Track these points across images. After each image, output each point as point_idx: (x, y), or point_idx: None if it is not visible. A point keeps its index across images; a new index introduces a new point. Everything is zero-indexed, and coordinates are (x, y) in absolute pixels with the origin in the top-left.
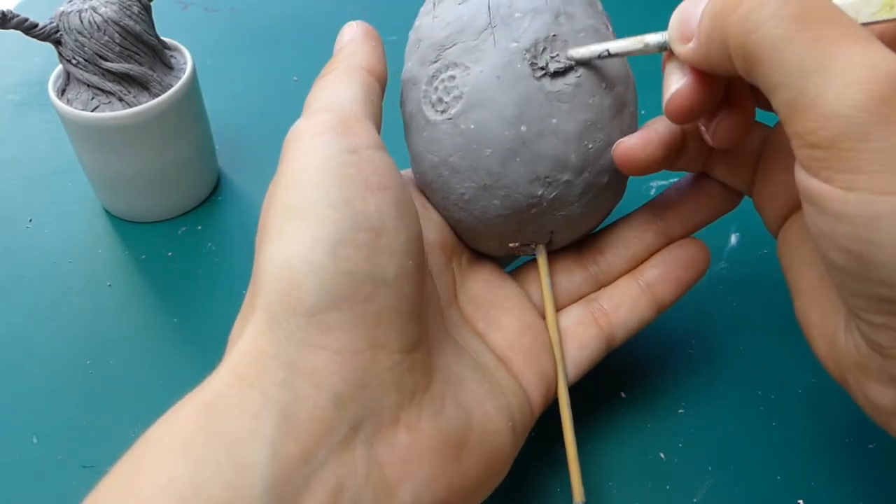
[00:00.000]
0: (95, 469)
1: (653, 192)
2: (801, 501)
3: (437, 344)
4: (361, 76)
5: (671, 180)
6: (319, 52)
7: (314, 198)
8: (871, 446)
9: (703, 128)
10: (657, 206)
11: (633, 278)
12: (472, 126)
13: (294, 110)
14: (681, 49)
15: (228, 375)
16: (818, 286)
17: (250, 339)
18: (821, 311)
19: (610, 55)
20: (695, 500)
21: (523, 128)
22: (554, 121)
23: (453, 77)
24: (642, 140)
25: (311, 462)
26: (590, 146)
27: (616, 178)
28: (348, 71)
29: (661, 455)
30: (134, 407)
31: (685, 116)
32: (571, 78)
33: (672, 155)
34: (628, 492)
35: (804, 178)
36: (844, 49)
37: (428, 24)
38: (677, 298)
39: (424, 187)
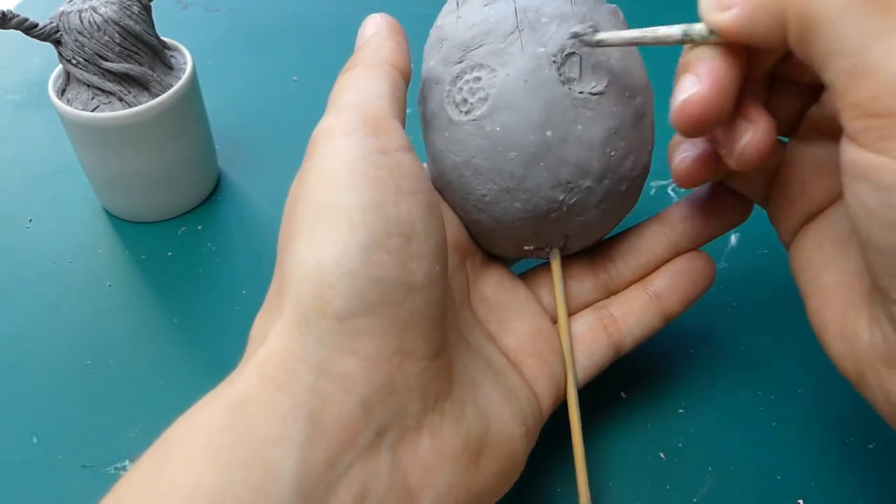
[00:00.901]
0: (95, 469)
1: (653, 192)
2: (801, 501)
3: (454, 350)
4: (387, 72)
5: (671, 181)
6: (319, 52)
7: (345, 200)
8: (871, 446)
9: (723, 151)
10: (670, 218)
11: (641, 287)
12: (498, 128)
13: (294, 110)
14: (718, 17)
15: (255, 377)
16: (835, 288)
17: (278, 341)
18: (837, 310)
19: (634, 42)
20: (695, 500)
21: (549, 132)
22: (579, 127)
23: (479, 78)
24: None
25: (337, 467)
26: (612, 154)
27: (633, 186)
28: (374, 66)
29: (661, 455)
30: (134, 407)
31: (694, 126)
32: (597, 86)
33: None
34: (628, 492)
35: (855, 153)
36: None
37: (452, 24)
38: (684, 310)
39: (442, 187)
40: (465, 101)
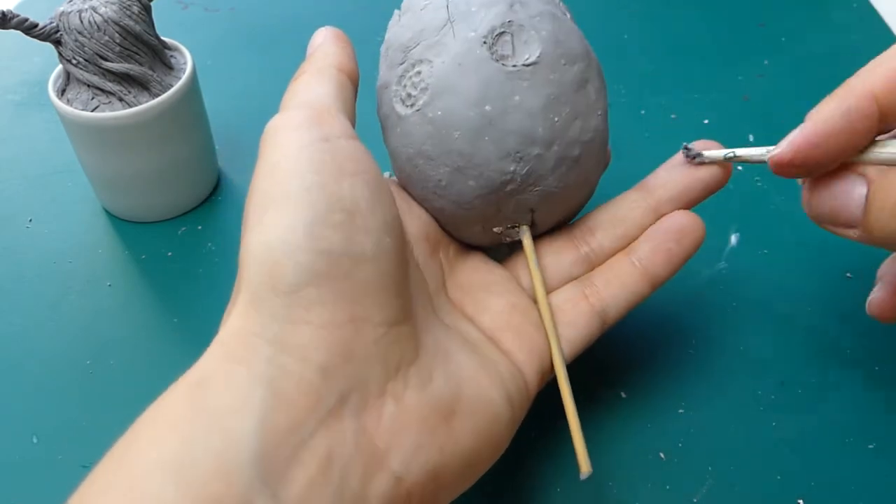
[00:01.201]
0: None
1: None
2: (801, 501)
3: (425, 324)
4: (333, 74)
5: None
6: None
7: (291, 185)
8: (871, 446)
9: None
10: (648, 186)
11: (625, 256)
12: (440, 113)
13: None
14: (843, 233)
15: (216, 355)
16: None
17: (236, 320)
18: None
19: (735, 158)
20: (695, 500)
21: (487, 107)
22: (517, 98)
23: (419, 73)
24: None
25: (299, 432)
26: (556, 119)
27: (588, 151)
28: (321, 70)
29: (661, 455)
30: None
31: (789, 171)
32: (530, 58)
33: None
34: (628, 492)
35: None
36: None
37: (395, 33)
38: (671, 273)
39: (405, 182)
40: (409, 95)
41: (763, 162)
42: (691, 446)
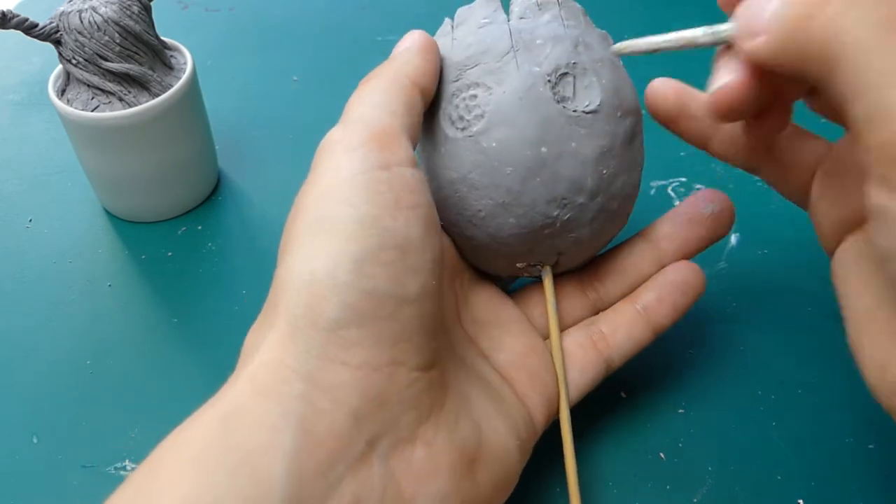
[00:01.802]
0: (95, 469)
1: (652, 191)
2: (800, 501)
3: (446, 360)
4: (405, 88)
5: (671, 180)
6: (319, 52)
7: (342, 213)
8: (871, 446)
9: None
10: (653, 237)
11: (630, 302)
12: (494, 144)
13: (294, 110)
14: (748, 44)
15: (246, 387)
16: (871, 312)
17: (270, 351)
18: (874, 339)
19: (659, 48)
20: (695, 500)
21: (544, 149)
22: (573, 144)
23: (475, 96)
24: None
25: (328, 477)
26: (604, 171)
27: (623, 205)
28: (394, 81)
29: (661, 455)
30: (134, 407)
31: (729, 114)
32: (590, 105)
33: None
34: (628, 492)
35: (877, 195)
36: None
37: (447, 45)
38: (673, 322)
39: (437, 203)
40: (461, 117)
41: (711, 45)
42: (691, 446)
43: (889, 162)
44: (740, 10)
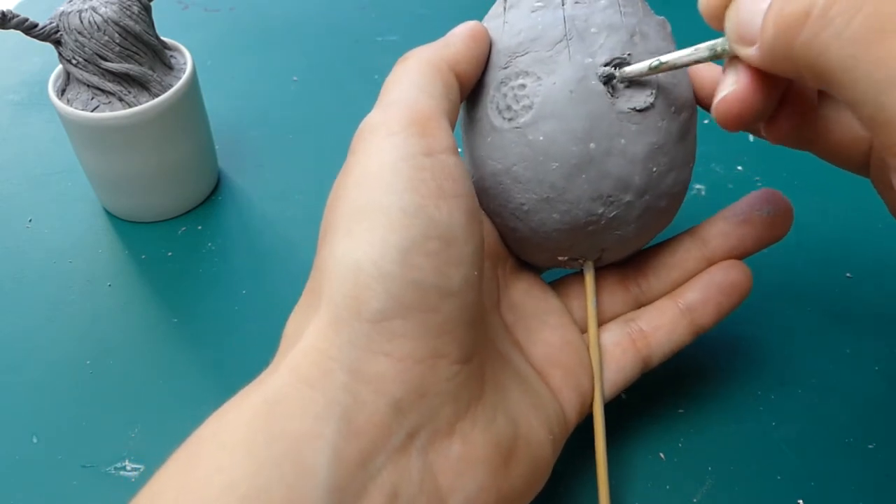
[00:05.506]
0: (95, 469)
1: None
2: (800, 501)
3: (484, 351)
4: (443, 72)
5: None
6: (319, 52)
7: (386, 201)
8: (871, 446)
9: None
10: (703, 234)
11: (672, 300)
12: (541, 138)
13: (294, 110)
14: (743, 52)
15: (289, 375)
16: None
17: (313, 340)
18: None
19: (659, 69)
20: (695, 500)
21: (592, 145)
22: (622, 141)
23: (524, 86)
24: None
25: (369, 467)
26: (654, 169)
27: (672, 202)
28: (431, 63)
29: (661, 455)
30: (134, 407)
31: (734, 122)
32: (644, 101)
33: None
34: (628, 492)
35: None
36: None
37: (498, 29)
38: (715, 324)
39: (480, 192)
40: (508, 107)
41: (713, 59)
42: (691, 446)
43: None
44: (729, 17)
